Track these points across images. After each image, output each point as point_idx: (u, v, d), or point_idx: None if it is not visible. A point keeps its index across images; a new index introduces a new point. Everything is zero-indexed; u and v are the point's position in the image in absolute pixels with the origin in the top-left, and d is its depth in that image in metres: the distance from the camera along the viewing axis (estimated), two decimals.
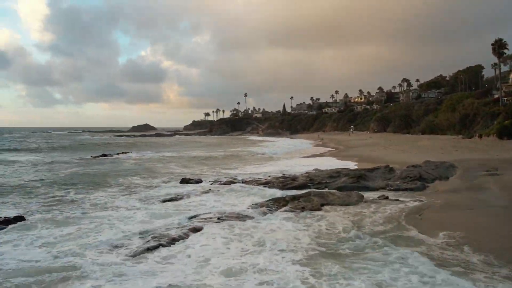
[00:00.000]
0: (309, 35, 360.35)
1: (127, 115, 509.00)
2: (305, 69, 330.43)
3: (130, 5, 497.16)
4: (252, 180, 26.58)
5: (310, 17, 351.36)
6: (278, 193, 21.75)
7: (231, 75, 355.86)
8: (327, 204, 18.76)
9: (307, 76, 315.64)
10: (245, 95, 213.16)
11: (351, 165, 34.52)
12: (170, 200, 19.92)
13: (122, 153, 54.95)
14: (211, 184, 25.83)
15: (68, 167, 37.41)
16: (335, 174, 26.94)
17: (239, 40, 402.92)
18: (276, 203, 18.45)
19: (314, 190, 22.00)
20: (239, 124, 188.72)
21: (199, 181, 26.53)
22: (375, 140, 76.47)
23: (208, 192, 22.00)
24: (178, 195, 21.02)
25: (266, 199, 19.25)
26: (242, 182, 26.00)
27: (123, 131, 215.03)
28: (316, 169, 31.83)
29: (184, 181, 26.47)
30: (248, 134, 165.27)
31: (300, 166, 36.35)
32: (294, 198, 19.34)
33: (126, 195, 21.84)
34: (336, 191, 22.33)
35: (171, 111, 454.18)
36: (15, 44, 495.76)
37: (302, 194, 20.15)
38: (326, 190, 22.67)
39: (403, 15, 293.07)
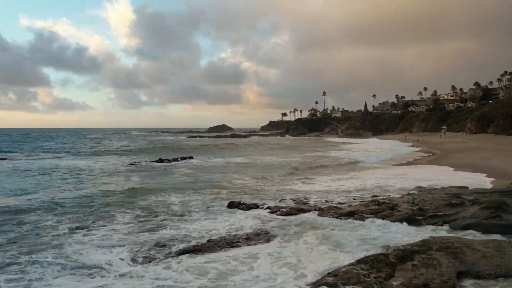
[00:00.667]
0: (392, 31, 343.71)
1: (208, 115, 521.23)
2: (387, 66, 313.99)
3: (210, 8, 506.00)
4: (330, 207, 18.27)
5: (392, 13, 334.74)
6: (372, 237, 13.44)
7: (309, 75, 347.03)
8: (468, 274, 10.23)
9: (390, 74, 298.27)
10: (324, 94, 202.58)
11: (471, 180, 25.09)
12: (193, 250, 12.00)
13: (182, 158, 48.34)
14: (270, 212, 17.86)
15: (107, 176, 31.37)
16: (455, 199, 17.88)
17: (318, 39, 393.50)
18: (374, 270, 10.12)
19: (433, 236, 13.33)
20: (317, 124, 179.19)
21: (253, 207, 18.61)
22: (476, 143, 64.77)
23: (259, 235, 13.93)
24: (209, 241, 13.12)
25: (356, 258, 10.97)
26: (316, 210, 17.87)
27: (201, 132, 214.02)
28: (419, 188, 23.08)
29: (233, 205, 18.68)
30: (326, 135, 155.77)
31: (395, 179, 27.54)
32: (404, 256, 10.93)
33: (134, 234, 14.40)
34: (472, 234, 13.66)
35: (250, 112, 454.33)
36: (105, 50, 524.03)
37: (415, 246, 11.61)
38: (453, 234, 13.94)
39: (497, 6, 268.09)
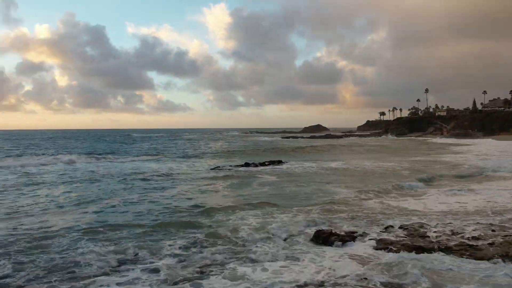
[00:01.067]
0: (502, 22, 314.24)
1: (303, 115, 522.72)
2: (498, 60, 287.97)
3: (306, 7, 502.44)
4: (461, 245, 12.60)
5: (502, 2, 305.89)
6: None
7: (409, 72, 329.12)
8: None
9: (501, 68, 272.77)
10: (426, 91, 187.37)
11: None
12: None
13: (270, 162, 43.63)
14: (375, 248, 12.62)
15: (181, 184, 27.74)
16: None
17: (418, 34, 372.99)
18: None
19: None
20: (418, 124, 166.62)
21: (349, 240, 13.43)
22: None
23: None
24: None
25: None
26: (440, 249, 12.30)
27: (295, 132, 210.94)
28: None
29: (321, 237, 13.68)
30: (430, 136, 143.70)
31: None
32: None
33: (166, 284, 10.06)
34: None
35: (346, 111, 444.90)
36: (204, 53, 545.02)
37: None
38: None
39: None
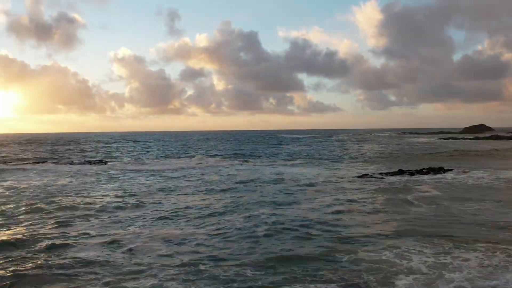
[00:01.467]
0: None
1: (462, 114, 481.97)
2: None
3: None
4: None
5: None
6: None
7: None
8: None
9: None
10: None
11: None
12: None
13: (429, 169, 36.49)
14: None
15: (322, 197, 23.33)
16: None
17: None
18: None
19: None
20: None
21: None
22: None
23: None
24: None
25: None
26: None
27: (453, 132, 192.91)
28: None
29: None
30: None
31: None
32: None
33: None
34: None
35: None
36: (354, 52, 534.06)
37: None
38: None
39: None
